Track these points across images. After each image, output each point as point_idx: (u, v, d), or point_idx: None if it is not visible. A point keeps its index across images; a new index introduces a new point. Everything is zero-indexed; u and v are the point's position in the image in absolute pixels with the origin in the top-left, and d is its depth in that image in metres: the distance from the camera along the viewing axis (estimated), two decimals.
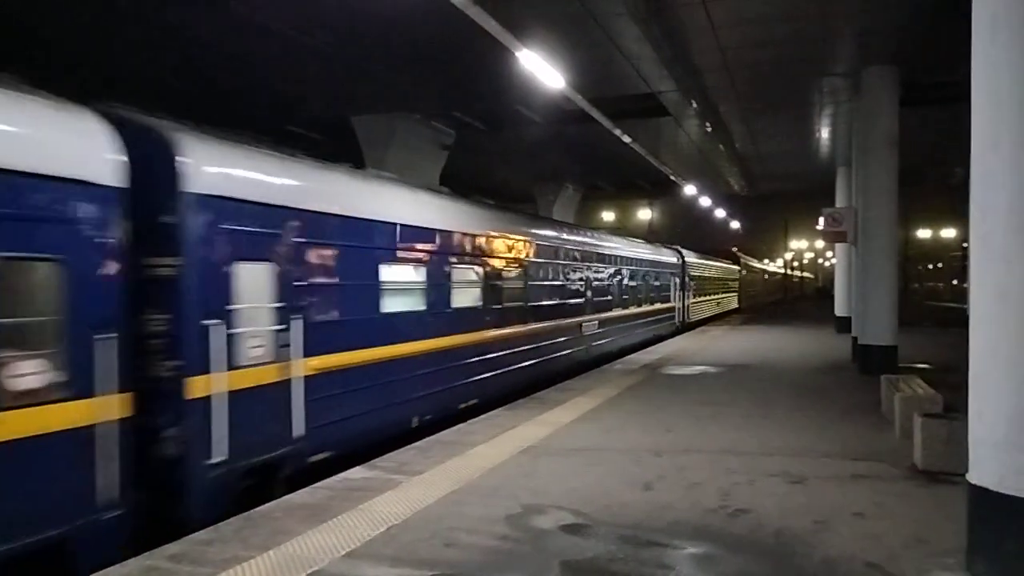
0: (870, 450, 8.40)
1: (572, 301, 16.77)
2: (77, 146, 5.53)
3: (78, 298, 5.36)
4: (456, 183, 17.96)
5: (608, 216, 51.81)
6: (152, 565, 4.99)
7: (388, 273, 9.47)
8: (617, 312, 20.44)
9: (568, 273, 16.67)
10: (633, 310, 22.28)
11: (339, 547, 5.31)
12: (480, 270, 12.26)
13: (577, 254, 17.42)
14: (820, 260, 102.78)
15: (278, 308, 7.39)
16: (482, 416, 10.53)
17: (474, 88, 16.75)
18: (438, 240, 10.87)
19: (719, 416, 10.50)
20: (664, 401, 11.83)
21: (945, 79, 16.29)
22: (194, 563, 5.03)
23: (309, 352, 7.74)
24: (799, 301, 71.45)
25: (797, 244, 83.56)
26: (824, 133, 23.03)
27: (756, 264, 64.27)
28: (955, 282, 67.59)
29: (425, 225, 10.56)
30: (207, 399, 6.49)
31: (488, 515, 6.03)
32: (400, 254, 9.84)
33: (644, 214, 51.17)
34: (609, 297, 19.73)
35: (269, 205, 7.40)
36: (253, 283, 7.09)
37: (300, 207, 7.82)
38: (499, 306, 12.85)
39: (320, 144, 18.92)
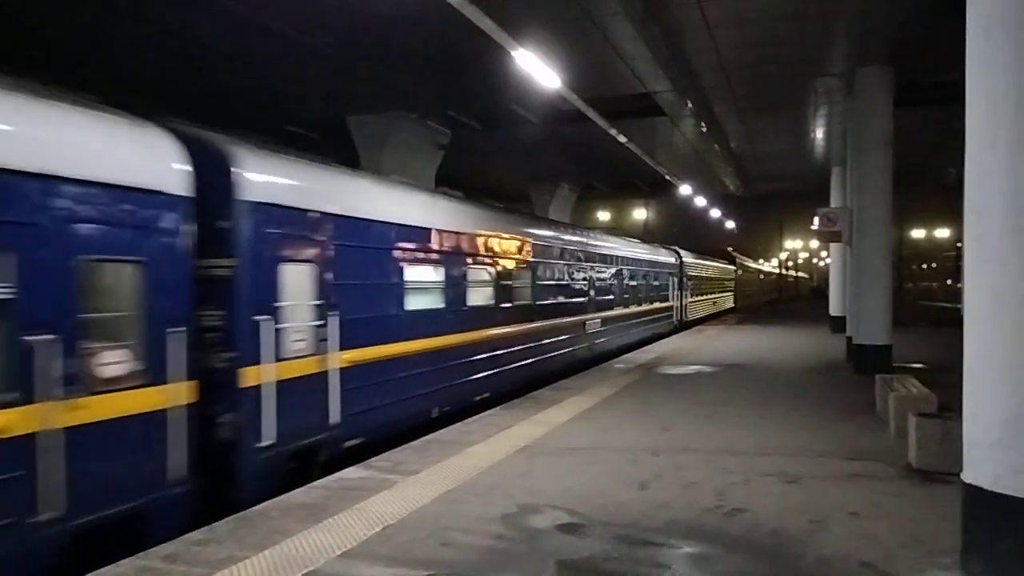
0: (865, 450, 8.42)
1: (576, 300, 17.34)
2: (154, 160, 6.19)
3: (154, 296, 6.03)
4: (452, 183, 17.95)
5: (604, 216, 51.85)
6: (146, 565, 4.98)
7: (411, 273, 10.12)
8: (618, 311, 20.95)
9: (573, 273, 17.24)
10: (633, 309, 22.76)
11: (335, 547, 5.30)
12: (493, 270, 12.86)
13: (581, 254, 17.98)
14: (815, 260, 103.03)
15: (317, 305, 8.09)
16: (478, 415, 10.53)
17: (470, 88, 16.73)
18: (455, 242, 11.49)
19: (715, 416, 10.52)
20: (660, 401, 11.84)
21: (940, 79, 16.34)
22: (189, 563, 5.02)
23: (344, 346, 8.41)
24: (794, 301, 71.63)
25: (792, 244, 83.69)
26: (819, 133, 23.07)
27: (752, 264, 64.52)
28: (949, 282, 67.77)
29: (444, 228, 11.15)
30: (258, 388, 7.15)
31: (484, 514, 6.03)
32: (422, 255, 10.47)
33: (640, 214, 51.25)
34: (611, 296, 20.22)
35: (309, 211, 8.07)
36: (296, 282, 7.77)
37: (336, 212, 8.51)
38: (509, 305, 13.43)
39: (319, 144, 18.87)
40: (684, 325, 30.25)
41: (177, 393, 6.18)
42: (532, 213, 23.20)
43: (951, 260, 58.70)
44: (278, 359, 7.40)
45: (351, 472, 7.48)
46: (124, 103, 6.34)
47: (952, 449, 6.28)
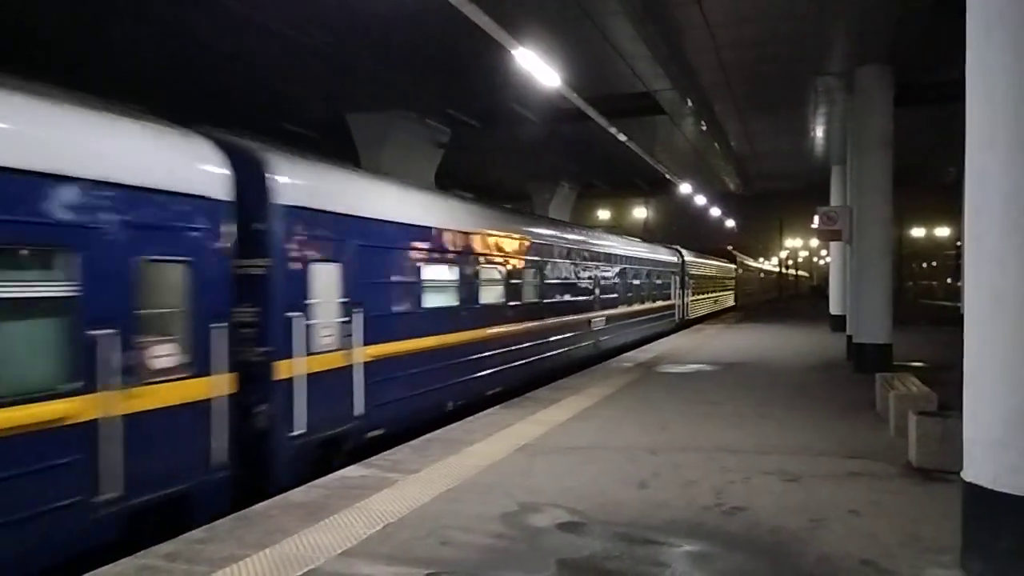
0: (865, 448, 8.43)
1: (582, 298, 17.89)
2: (200, 168, 6.67)
3: (199, 293, 6.48)
4: (451, 181, 17.97)
5: (604, 214, 51.82)
6: (147, 564, 4.98)
7: (428, 272, 10.64)
8: (622, 309, 21.42)
9: (579, 272, 17.76)
10: (636, 307, 23.20)
11: (335, 546, 5.31)
12: (503, 269, 13.37)
13: (586, 254, 18.52)
14: (815, 259, 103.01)
15: (343, 302, 8.57)
16: (478, 414, 10.54)
17: (470, 86, 16.72)
18: (469, 243, 12.01)
19: (714, 414, 10.52)
20: (659, 399, 11.85)
21: (939, 79, 16.33)
22: (189, 562, 5.02)
23: (367, 341, 8.90)
24: (794, 299, 71.64)
25: (792, 243, 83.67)
26: (819, 132, 23.06)
27: (752, 263, 64.63)
28: (949, 281, 67.79)
29: (458, 229, 11.68)
30: (290, 380, 7.63)
31: (484, 513, 6.03)
32: (438, 255, 10.98)
33: (640, 213, 51.21)
34: (615, 295, 20.71)
35: (336, 213, 8.56)
36: (324, 281, 8.24)
37: (360, 214, 9.02)
38: (519, 303, 13.91)
39: (318, 143, 18.85)
40: (685, 323, 30.54)
41: (219, 384, 6.64)
42: (541, 214, 23.93)
43: (951, 259, 58.69)
44: (308, 353, 7.89)
45: (351, 471, 7.49)
46: (166, 113, 6.85)
47: (952, 447, 6.28)
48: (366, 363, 8.85)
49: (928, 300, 63.82)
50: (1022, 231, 4.42)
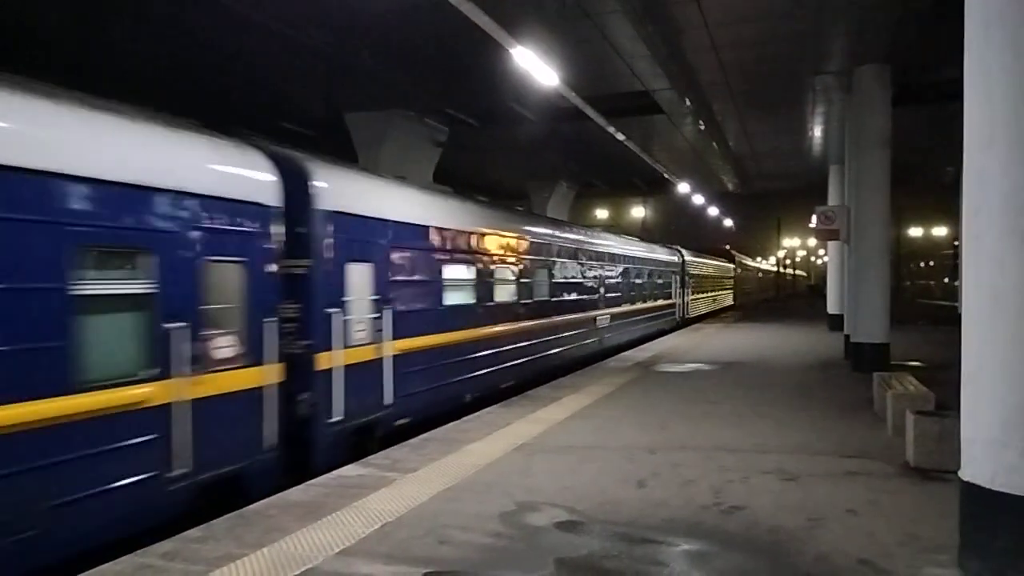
0: (863, 447, 8.44)
1: (588, 297, 18.51)
2: (254, 177, 7.30)
3: (253, 291, 7.11)
4: (450, 180, 17.92)
5: (602, 214, 51.81)
6: (145, 563, 4.98)
7: (449, 272, 11.24)
8: (625, 308, 21.98)
9: (585, 272, 18.36)
10: (639, 306, 23.71)
11: (333, 544, 5.31)
12: (516, 269, 13.97)
13: (592, 254, 19.11)
14: (812, 258, 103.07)
15: (375, 300, 9.21)
16: (476, 413, 10.55)
17: (468, 85, 16.72)
18: (486, 244, 12.64)
19: (712, 414, 10.53)
20: (657, 399, 11.85)
21: (938, 78, 16.36)
22: (187, 561, 5.02)
23: (395, 336, 9.53)
24: (792, 299, 71.71)
25: (790, 242, 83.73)
26: (817, 131, 23.08)
27: (750, 263, 64.80)
28: (947, 280, 67.87)
29: (476, 231, 12.35)
30: (329, 371, 8.26)
31: (482, 512, 6.03)
32: (457, 255, 11.61)
33: (638, 212, 51.22)
34: (618, 294, 21.29)
35: (367, 217, 9.19)
36: (359, 279, 8.87)
37: (389, 218, 9.67)
38: (530, 301, 14.50)
39: (317, 142, 18.84)
40: (686, 322, 30.99)
41: (270, 373, 7.28)
42: (552, 217, 24.68)
43: (948, 258, 58.74)
44: (345, 346, 8.52)
45: (349, 470, 7.48)
46: (223, 126, 7.59)
47: (950, 447, 6.30)
48: (394, 356, 9.50)
49: (926, 300, 63.87)
50: (1021, 230, 4.42)
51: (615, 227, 36.22)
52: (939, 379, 10.39)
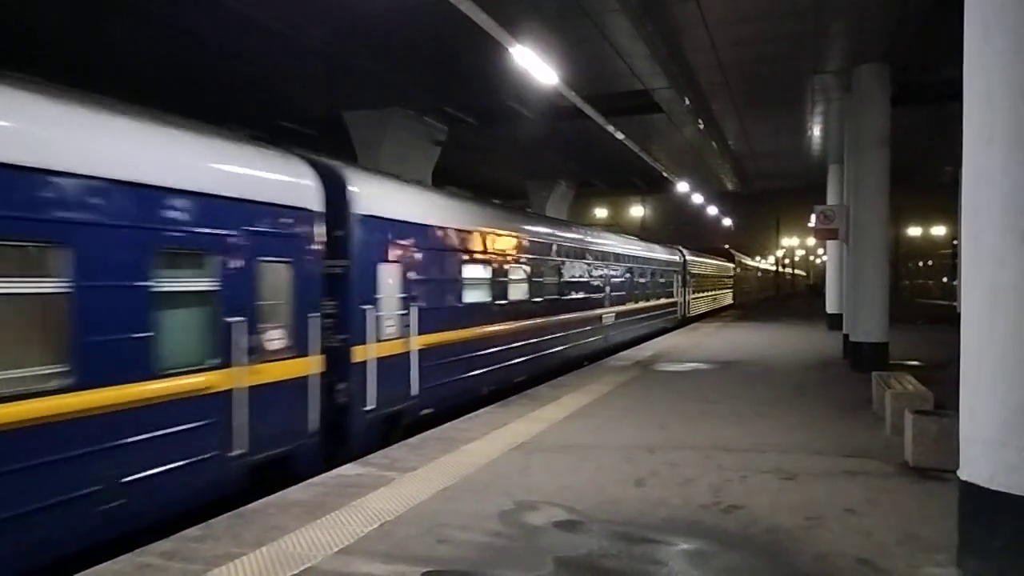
0: (861, 447, 8.44)
1: (595, 296, 19.14)
2: (301, 185, 7.92)
3: (300, 288, 7.73)
4: (449, 179, 17.94)
5: (601, 213, 51.80)
6: (144, 562, 4.97)
7: (468, 271, 11.91)
8: (629, 306, 22.58)
9: (592, 271, 18.98)
10: (642, 304, 24.28)
11: (332, 543, 5.30)
12: (528, 268, 14.56)
13: (598, 254, 19.69)
14: (811, 257, 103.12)
15: (403, 297, 9.81)
16: (475, 412, 10.56)
17: (467, 84, 16.72)
18: (500, 244, 13.22)
19: (711, 413, 10.53)
20: (656, 398, 11.86)
21: (937, 77, 16.36)
22: (186, 560, 5.01)
23: (420, 331, 10.14)
24: (790, 298, 71.72)
25: (789, 241, 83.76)
26: (816, 131, 23.09)
27: (750, 262, 64.96)
28: (945, 280, 67.91)
29: (492, 232, 12.97)
30: (364, 363, 8.89)
31: (481, 511, 6.03)
32: (476, 256, 12.24)
33: (637, 211, 51.21)
34: (623, 292, 21.89)
35: (396, 220, 9.78)
36: (388, 278, 9.50)
37: (414, 220, 10.27)
38: (540, 299, 15.12)
39: (316, 140, 18.83)
40: (687, 320, 31.46)
41: (314, 364, 7.90)
42: (561, 218, 25.52)
43: (947, 258, 58.79)
44: (377, 340, 9.13)
45: (348, 469, 7.48)
46: (269, 138, 8.28)
47: (948, 446, 6.30)
48: (420, 350, 10.12)
49: (924, 299, 63.95)
50: (1020, 230, 4.42)
51: (615, 226, 36.28)
52: (938, 378, 10.39)
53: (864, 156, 15.32)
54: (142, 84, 15.32)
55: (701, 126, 20.79)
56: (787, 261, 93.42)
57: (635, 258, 23.76)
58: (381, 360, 9.16)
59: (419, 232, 10.34)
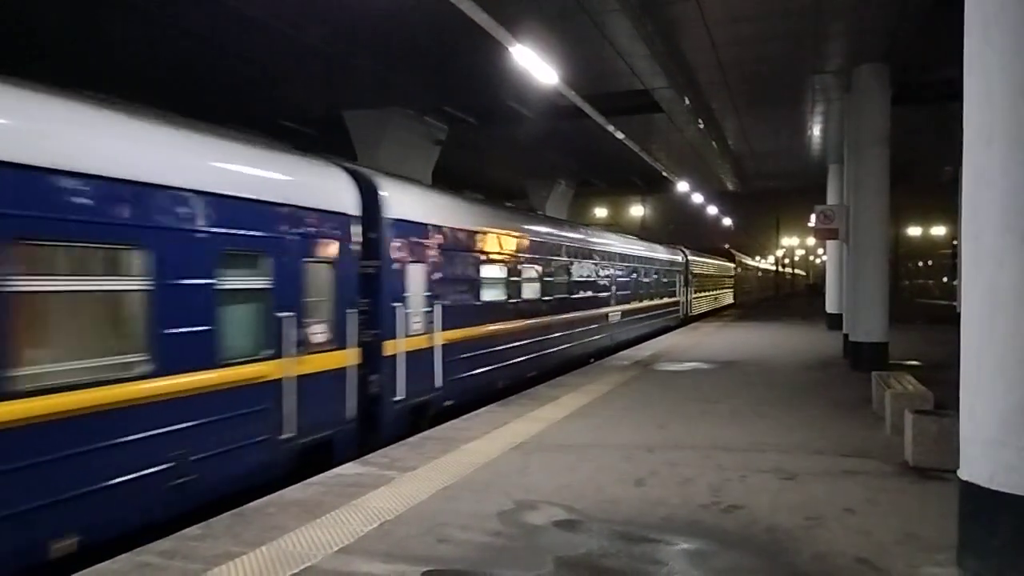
0: (861, 447, 8.44)
1: (602, 295, 19.75)
2: (341, 192, 8.63)
3: (340, 287, 8.37)
4: (448, 178, 17.93)
5: (600, 212, 51.78)
6: (144, 561, 4.97)
7: (485, 271, 12.55)
8: (634, 305, 23.14)
9: (599, 271, 19.59)
10: (646, 304, 24.85)
11: (332, 543, 5.31)
12: (539, 268, 15.19)
13: (605, 254, 20.33)
14: (811, 257, 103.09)
15: (428, 295, 10.44)
16: (474, 412, 10.56)
17: (467, 84, 16.70)
18: (513, 245, 13.85)
19: (711, 413, 10.53)
20: (656, 398, 11.86)
21: (937, 77, 16.34)
22: (185, 559, 5.01)
23: (443, 327, 10.74)
24: (790, 298, 71.74)
25: (789, 241, 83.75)
26: (816, 130, 23.08)
27: (750, 262, 65.12)
28: (945, 280, 67.92)
29: (506, 233, 13.59)
30: (394, 356, 9.53)
31: (481, 511, 6.03)
32: (491, 256, 12.86)
33: (636, 211, 51.20)
34: (628, 292, 22.46)
35: (421, 223, 10.39)
36: (415, 278, 10.14)
37: (436, 223, 10.85)
38: (551, 298, 15.71)
39: (316, 140, 18.81)
40: (688, 319, 31.98)
41: (352, 356, 8.56)
42: (570, 220, 26.14)
43: (947, 258, 58.79)
44: (406, 335, 9.76)
45: (348, 468, 7.49)
46: (310, 148, 8.81)
47: (948, 446, 6.31)
48: (443, 345, 10.73)
49: (924, 299, 63.93)
50: (1020, 230, 4.42)
51: (615, 226, 36.30)
52: (937, 378, 10.39)
53: (864, 156, 15.32)
54: (142, 84, 15.29)
55: (701, 126, 20.77)
56: (787, 261, 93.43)
57: (639, 258, 24.22)
58: (409, 354, 9.78)
59: (441, 234, 10.92)
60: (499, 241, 13.18)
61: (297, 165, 8.21)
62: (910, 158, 25.92)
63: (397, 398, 9.53)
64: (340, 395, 8.35)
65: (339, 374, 8.31)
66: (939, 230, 67.83)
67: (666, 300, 28.45)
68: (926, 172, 32.01)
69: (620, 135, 19.49)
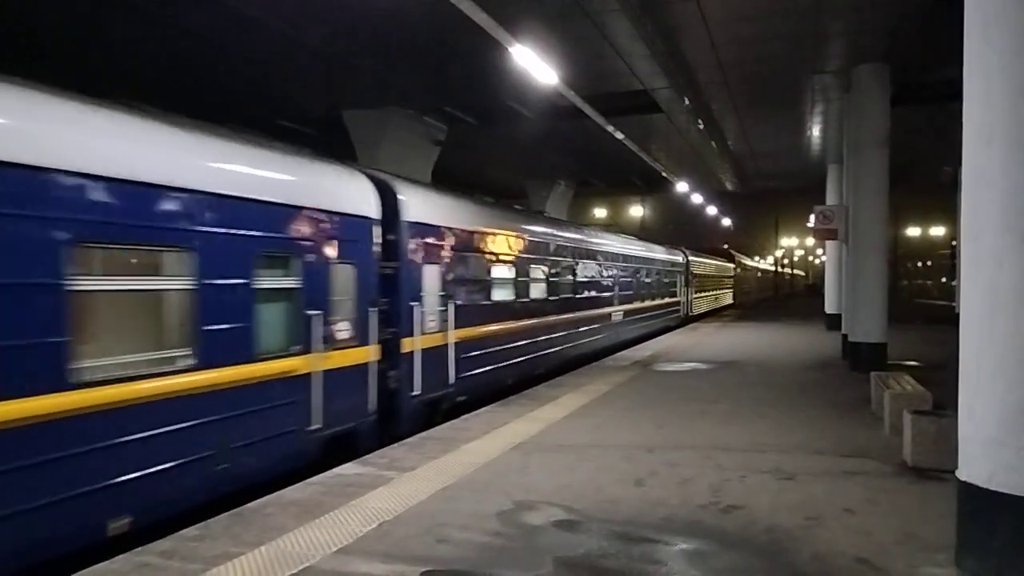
0: (860, 447, 8.44)
1: (605, 295, 20.13)
2: (363, 197, 9.03)
3: (362, 287, 8.76)
4: (448, 178, 17.92)
5: (600, 212, 51.79)
6: (143, 561, 4.97)
7: (495, 271, 12.97)
8: (636, 305, 23.46)
9: (602, 272, 19.96)
10: (647, 304, 25.15)
11: (331, 543, 5.30)
12: (546, 269, 15.55)
13: (608, 255, 20.68)
14: (811, 257, 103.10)
15: (442, 295, 10.82)
16: (474, 412, 10.56)
17: (466, 84, 16.70)
18: (522, 246, 14.20)
19: (710, 413, 10.53)
20: (655, 398, 11.85)
21: (936, 77, 16.35)
22: (185, 559, 5.01)
23: (456, 326, 11.12)
24: (790, 298, 71.77)
25: (788, 241, 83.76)
26: (816, 131, 23.08)
27: (750, 262, 65.21)
28: (944, 280, 67.91)
29: (513, 234, 13.92)
30: (411, 353, 9.93)
31: (480, 511, 6.03)
32: (501, 257, 13.21)
33: (636, 211, 51.21)
34: (630, 292, 22.78)
35: (435, 225, 10.75)
36: (431, 278, 10.53)
37: (451, 225, 11.24)
38: (557, 298, 16.08)
39: (316, 140, 18.81)
40: (689, 319, 32.27)
41: (372, 352, 8.98)
42: (575, 222, 26.48)
43: (946, 258, 58.77)
44: (423, 333, 10.16)
45: (347, 468, 7.48)
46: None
47: (947, 446, 6.30)
48: (456, 343, 11.11)
49: (923, 299, 63.95)
50: (1019, 230, 4.42)
51: (615, 226, 36.33)
52: (936, 379, 10.39)
53: (864, 156, 15.32)
54: (142, 84, 15.30)
55: (701, 126, 20.78)
56: (786, 261, 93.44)
57: (641, 259, 24.54)
58: (425, 351, 10.19)
59: (455, 236, 11.30)
60: (508, 242, 13.52)
61: (324, 172, 8.60)
62: (910, 158, 25.92)
63: (414, 393, 9.91)
64: (362, 389, 8.74)
65: (361, 369, 8.71)
66: (938, 230, 67.86)
67: (667, 300, 28.68)
68: (926, 172, 32.02)
69: (620, 135, 19.47)
